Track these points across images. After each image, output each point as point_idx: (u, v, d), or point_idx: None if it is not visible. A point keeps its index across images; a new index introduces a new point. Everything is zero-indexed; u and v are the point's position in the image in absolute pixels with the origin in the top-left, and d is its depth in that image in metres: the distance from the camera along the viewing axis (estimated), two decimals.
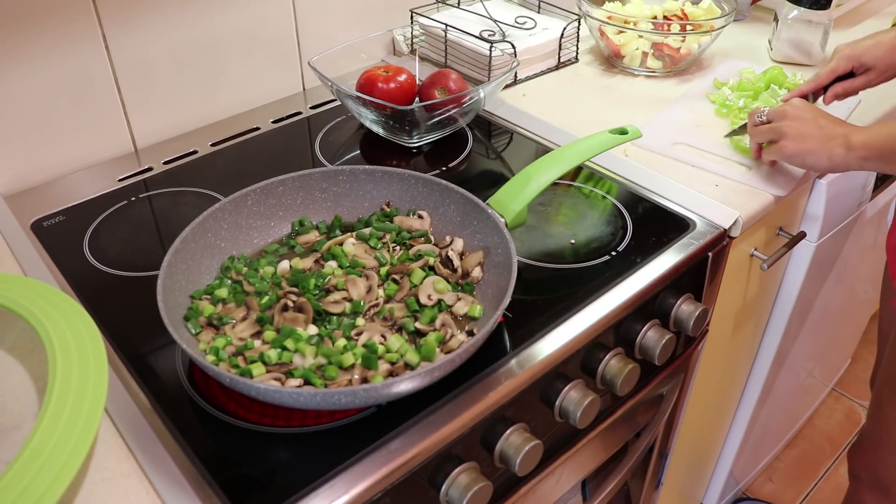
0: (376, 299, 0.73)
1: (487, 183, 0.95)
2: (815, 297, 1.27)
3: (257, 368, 0.64)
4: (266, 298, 0.72)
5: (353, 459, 0.60)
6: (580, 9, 1.20)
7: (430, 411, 0.64)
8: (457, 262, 0.76)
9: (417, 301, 0.72)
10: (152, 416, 0.64)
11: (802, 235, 1.08)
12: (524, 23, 1.21)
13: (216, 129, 1.06)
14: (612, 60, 1.23)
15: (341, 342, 0.67)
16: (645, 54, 1.19)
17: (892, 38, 0.95)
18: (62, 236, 0.86)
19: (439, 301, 0.72)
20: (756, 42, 1.30)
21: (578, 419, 0.72)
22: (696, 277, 0.87)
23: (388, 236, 0.80)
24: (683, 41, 1.16)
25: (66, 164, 0.97)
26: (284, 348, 0.66)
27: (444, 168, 0.98)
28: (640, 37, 1.18)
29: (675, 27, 1.16)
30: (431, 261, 0.76)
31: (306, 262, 0.77)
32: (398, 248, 0.79)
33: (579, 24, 1.21)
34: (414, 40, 1.23)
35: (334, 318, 0.70)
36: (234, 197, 0.78)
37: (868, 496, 1.17)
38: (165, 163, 0.99)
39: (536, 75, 1.19)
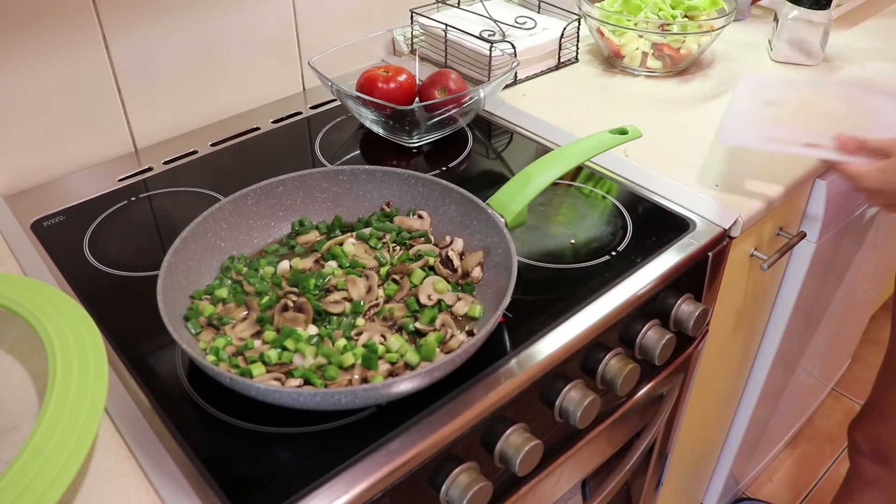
0: (376, 299, 0.73)
1: (487, 183, 0.95)
2: (815, 297, 1.27)
3: (257, 368, 0.64)
4: (266, 298, 0.72)
5: (353, 459, 0.60)
6: (580, 9, 1.20)
7: (430, 411, 0.64)
8: (457, 262, 0.76)
9: (417, 301, 0.72)
10: (152, 416, 0.64)
11: (802, 235, 1.08)
12: (524, 23, 1.21)
13: (216, 129, 1.06)
14: (612, 60, 1.23)
15: (341, 342, 0.67)
16: (645, 54, 1.19)
17: None
18: (62, 236, 0.86)
19: (439, 301, 0.72)
20: (756, 42, 1.31)
21: (578, 419, 0.72)
22: (696, 277, 0.87)
23: (388, 236, 0.80)
24: (683, 41, 1.17)
25: (66, 164, 0.97)
26: (284, 348, 0.66)
27: (444, 168, 0.98)
28: (640, 37, 1.18)
29: (676, 28, 1.16)
30: (431, 261, 0.76)
31: (306, 262, 0.77)
32: (398, 248, 0.79)
33: (579, 24, 1.21)
34: (414, 40, 1.23)
35: (334, 318, 0.70)
36: (234, 197, 0.78)
37: (868, 467, 1.15)
38: (165, 163, 0.99)
39: (536, 75, 1.19)
